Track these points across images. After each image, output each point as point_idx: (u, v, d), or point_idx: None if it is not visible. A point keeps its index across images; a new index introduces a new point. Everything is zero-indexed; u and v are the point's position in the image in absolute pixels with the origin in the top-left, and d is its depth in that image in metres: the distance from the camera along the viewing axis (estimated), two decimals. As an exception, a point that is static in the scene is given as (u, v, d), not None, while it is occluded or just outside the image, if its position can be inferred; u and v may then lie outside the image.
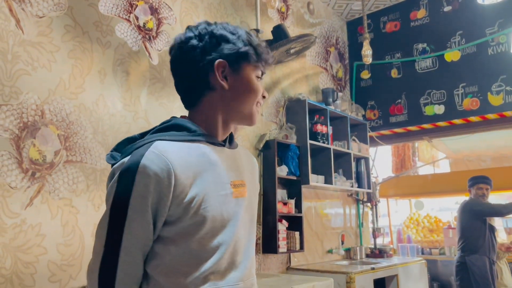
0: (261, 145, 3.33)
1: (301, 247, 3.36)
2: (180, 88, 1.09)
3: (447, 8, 4.16)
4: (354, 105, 4.41)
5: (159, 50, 2.69)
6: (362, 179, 4.20)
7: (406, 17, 4.44)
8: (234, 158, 1.07)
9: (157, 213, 0.92)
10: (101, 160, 2.28)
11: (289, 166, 3.38)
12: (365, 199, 4.61)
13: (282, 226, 3.24)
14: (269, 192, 3.24)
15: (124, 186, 0.90)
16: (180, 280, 0.94)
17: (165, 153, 0.92)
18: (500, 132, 4.64)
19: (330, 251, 4.03)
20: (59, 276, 2.05)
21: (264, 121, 3.48)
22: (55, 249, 2.05)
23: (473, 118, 3.97)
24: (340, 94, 4.25)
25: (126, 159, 0.93)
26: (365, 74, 4.64)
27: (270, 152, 3.26)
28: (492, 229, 3.97)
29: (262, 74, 1.10)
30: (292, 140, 3.48)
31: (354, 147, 4.11)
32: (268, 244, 3.19)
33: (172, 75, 1.10)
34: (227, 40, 1.04)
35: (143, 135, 1.05)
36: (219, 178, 0.99)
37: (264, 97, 1.10)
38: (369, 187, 4.26)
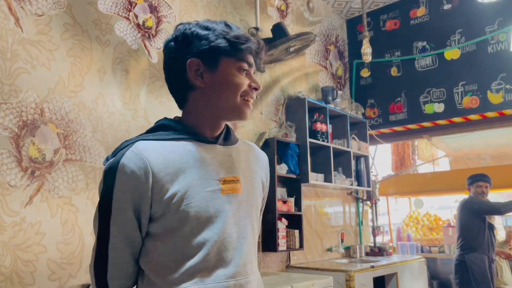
0: (261, 144, 3.33)
1: (301, 245, 3.37)
2: (169, 90, 1.12)
3: (446, 6, 4.15)
4: (353, 104, 4.41)
5: (159, 49, 2.69)
6: (362, 178, 4.20)
7: (405, 15, 4.43)
8: (228, 155, 1.06)
9: (140, 209, 0.95)
10: (100, 158, 2.28)
11: (288, 165, 3.38)
12: (364, 197, 4.61)
13: (281, 225, 3.24)
14: (268, 190, 3.23)
15: (107, 185, 0.95)
16: (167, 276, 0.96)
17: (143, 152, 0.95)
18: (500, 130, 4.64)
19: (329, 249, 4.03)
20: (59, 274, 2.05)
21: (263, 120, 3.48)
22: (55, 247, 2.05)
23: (473, 116, 3.97)
24: (339, 92, 4.25)
25: (112, 159, 0.97)
26: (365, 72, 4.64)
27: (270, 151, 3.26)
28: (491, 227, 3.97)
29: (249, 65, 1.05)
30: (292, 138, 3.48)
31: (354, 146, 4.11)
32: (267, 242, 3.19)
33: None
34: (199, 37, 1.02)
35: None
36: (206, 174, 0.99)
37: (255, 88, 1.06)
38: (368, 185, 4.27)
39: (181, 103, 1.09)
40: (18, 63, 2.00)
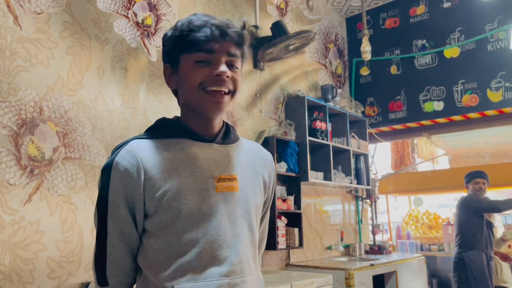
0: (260, 142, 3.33)
1: (300, 244, 3.37)
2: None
3: (446, 4, 4.15)
4: (353, 102, 4.40)
5: (158, 47, 2.68)
6: (361, 176, 4.20)
7: (405, 13, 4.43)
8: (225, 154, 1.06)
9: (134, 206, 0.97)
10: (99, 157, 2.28)
11: (288, 163, 3.38)
12: (364, 196, 4.61)
13: (281, 223, 3.24)
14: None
15: (103, 182, 0.98)
16: (161, 273, 0.96)
17: (136, 150, 0.98)
18: (500, 129, 4.63)
19: (329, 248, 4.04)
20: (58, 272, 2.05)
21: (263, 118, 3.48)
22: (54, 245, 2.05)
23: (473, 115, 3.97)
24: (339, 90, 4.25)
25: (109, 158, 1.00)
26: (365, 71, 4.64)
27: (269, 149, 3.26)
28: (490, 225, 3.98)
29: (208, 52, 0.98)
30: (291, 136, 3.48)
31: (353, 144, 4.11)
32: (267, 240, 3.19)
33: None
34: (168, 41, 1.05)
35: None
36: (199, 172, 1.00)
37: (218, 75, 0.98)
38: (368, 184, 4.27)
39: (178, 103, 1.12)
40: (17, 61, 2.00)
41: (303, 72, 4.04)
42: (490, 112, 3.90)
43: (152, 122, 1.10)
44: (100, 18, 2.39)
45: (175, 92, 1.10)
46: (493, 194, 5.45)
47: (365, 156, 4.28)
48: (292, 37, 3.25)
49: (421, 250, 5.33)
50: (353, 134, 4.19)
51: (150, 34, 2.65)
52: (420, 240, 5.58)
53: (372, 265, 3.42)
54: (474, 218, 3.90)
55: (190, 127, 1.05)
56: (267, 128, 3.46)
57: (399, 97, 4.36)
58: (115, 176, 0.96)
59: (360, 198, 4.60)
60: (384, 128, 4.52)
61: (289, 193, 3.47)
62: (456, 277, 3.95)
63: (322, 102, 3.78)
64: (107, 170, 0.97)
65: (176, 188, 0.96)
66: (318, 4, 4.37)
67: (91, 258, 1.04)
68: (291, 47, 3.40)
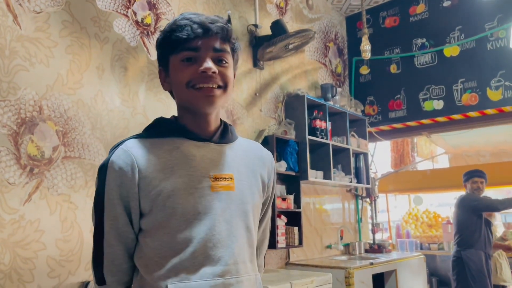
0: (260, 141, 3.33)
1: (300, 243, 3.37)
2: None
3: (446, 3, 4.15)
4: (353, 101, 4.40)
5: (157, 46, 2.68)
6: (361, 175, 4.20)
7: (405, 12, 4.42)
8: (222, 153, 1.05)
9: (129, 205, 0.98)
10: (99, 156, 2.28)
11: (288, 162, 3.38)
12: (364, 195, 4.61)
13: (281, 222, 3.25)
14: (268, 188, 3.24)
15: (100, 182, 0.99)
16: (155, 272, 0.96)
17: (131, 149, 0.99)
18: (499, 127, 4.63)
19: (329, 247, 4.04)
20: (58, 271, 2.05)
21: (262, 117, 3.48)
22: (54, 244, 2.05)
23: (472, 113, 3.97)
24: (339, 89, 4.25)
25: (106, 158, 1.01)
26: (364, 70, 4.64)
27: (269, 148, 3.26)
28: (488, 224, 3.98)
29: (193, 50, 0.99)
30: (291, 135, 3.48)
31: (353, 143, 4.11)
32: (267, 239, 3.19)
33: None
34: (158, 45, 1.07)
35: None
36: (194, 172, 0.99)
37: (203, 71, 0.98)
38: (368, 183, 4.27)
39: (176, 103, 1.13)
40: (16, 60, 2.00)
41: (303, 71, 4.04)
42: (489, 111, 3.90)
43: (152, 121, 1.10)
44: (99, 17, 2.39)
45: (172, 94, 1.11)
46: (492, 193, 5.47)
47: (365, 155, 4.29)
48: (292, 36, 3.25)
49: (421, 249, 5.34)
50: (353, 133, 4.19)
51: (149, 33, 2.65)
52: (420, 239, 5.58)
53: (371, 264, 3.42)
54: (472, 217, 3.90)
55: (186, 126, 1.05)
56: (267, 127, 3.46)
57: (399, 96, 4.36)
58: (110, 175, 0.97)
59: (360, 197, 4.60)
60: (384, 127, 4.52)
61: (289, 192, 3.48)
62: (455, 276, 3.95)
63: (322, 101, 3.78)
64: (103, 170, 0.98)
65: (171, 187, 0.96)
66: (317, 3, 4.36)
67: (91, 256, 1.04)
68: (290, 46, 3.40)
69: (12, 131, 1.95)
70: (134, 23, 2.57)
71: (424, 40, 4.24)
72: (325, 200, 4.13)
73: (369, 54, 3.77)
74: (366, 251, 4.30)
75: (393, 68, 4.43)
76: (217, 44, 1.01)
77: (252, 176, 1.10)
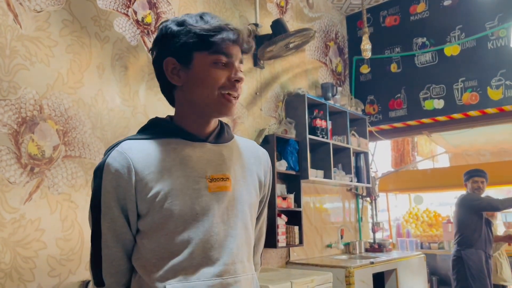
0: (260, 140, 3.33)
1: (300, 242, 3.37)
2: (160, 89, 1.12)
3: (447, 2, 4.14)
4: (353, 100, 4.40)
5: (158, 45, 2.68)
6: (362, 174, 4.20)
7: (405, 11, 4.42)
8: (218, 153, 1.05)
9: (126, 207, 0.97)
10: (99, 155, 2.28)
11: (288, 161, 3.38)
12: (364, 194, 4.61)
13: (281, 221, 3.25)
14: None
15: (96, 184, 0.98)
16: (153, 273, 0.96)
17: (127, 151, 0.97)
18: (500, 127, 4.64)
19: (329, 246, 4.04)
20: (59, 270, 2.05)
21: (263, 116, 3.48)
22: (55, 244, 2.05)
23: (473, 113, 3.97)
24: (339, 88, 4.25)
25: (101, 160, 1.00)
26: (365, 69, 4.63)
27: (269, 147, 3.26)
28: (489, 223, 3.98)
29: (228, 56, 1.00)
30: (291, 135, 3.48)
31: (354, 142, 4.11)
32: (267, 238, 3.15)
33: None
34: (173, 35, 1.01)
35: None
36: (191, 173, 0.99)
37: (236, 80, 1.00)
38: (368, 182, 4.27)
39: (171, 102, 1.10)
40: (17, 59, 2.00)
41: (303, 70, 4.04)
42: (490, 110, 3.89)
43: (147, 121, 1.10)
44: (100, 16, 2.39)
45: (171, 88, 1.06)
46: (493, 192, 5.46)
47: (365, 154, 4.28)
48: (292, 35, 3.24)
49: (421, 248, 5.34)
50: (353, 132, 4.19)
51: (150, 32, 2.65)
52: (420, 238, 5.59)
53: (372, 263, 3.42)
54: (473, 217, 3.90)
55: (183, 127, 1.04)
56: (267, 126, 3.46)
57: (399, 95, 4.36)
58: (106, 178, 0.96)
59: (360, 196, 4.60)
60: (384, 126, 4.52)
61: (289, 191, 3.48)
62: (455, 275, 3.95)
63: (322, 100, 3.78)
64: (98, 172, 0.97)
65: (168, 189, 0.96)
66: (318, 2, 4.36)
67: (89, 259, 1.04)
68: (291, 45, 3.40)
69: (13, 130, 1.95)
70: (135, 22, 2.57)
71: (425, 39, 4.23)
72: (326, 199, 4.13)
73: (370, 53, 3.77)
74: (367, 250, 4.30)
75: (394, 67, 4.42)
76: (242, 56, 1.04)
77: (249, 175, 1.10)
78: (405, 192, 6.65)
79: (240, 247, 1.02)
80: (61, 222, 2.09)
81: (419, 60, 4.26)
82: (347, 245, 4.21)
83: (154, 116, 1.13)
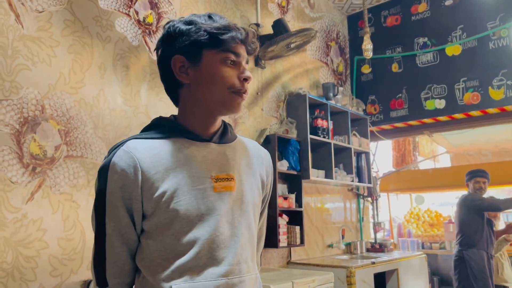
0: (262, 140, 3.33)
1: (302, 242, 3.37)
2: (164, 89, 1.12)
3: (448, 2, 4.14)
4: (354, 100, 4.40)
5: (159, 45, 2.68)
6: (363, 174, 4.20)
7: (407, 11, 4.42)
8: (222, 153, 1.05)
9: (132, 207, 0.96)
10: (101, 155, 2.28)
11: (289, 161, 3.38)
12: (365, 194, 4.61)
13: (282, 221, 3.25)
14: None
15: (100, 183, 0.97)
16: (158, 273, 0.96)
17: (133, 150, 0.96)
18: (501, 127, 4.63)
19: (330, 246, 4.04)
20: (60, 270, 2.06)
21: (264, 116, 3.48)
22: (56, 243, 2.05)
23: (474, 113, 3.97)
24: (340, 88, 4.25)
25: (105, 159, 0.99)
26: (366, 69, 4.63)
27: (271, 147, 3.26)
28: (490, 224, 3.98)
29: (236, 55, 1.01)
30: (293, 135, 3.48)
31: (355, 142, 4.11)
32: (268, 238, 3.19)
33: None
34: (181, 33, 1.01)
35: None
36: (196, 173, 0.99)
37: (245, 79, 1.02)
38: (369, 182, 4.27)
39: (175, 102, 1.10)
40: (18, 59, 2.00)
41: (305, 70, 4.04)
42: (491, 110, 3.89)
43: (151, 121, 1.10)
44: (101, 16, 2.39)
45: (177, 87, 1.06)
46: (494, 192, 5.46)
47: (367, 154, 4.28)
48: (294, 35, 3.24)
49: (423, 248, 5.34)
50: (354, 132, 4.19)
51: (151, 32, 2.65)
52: (422, 238, 5.58)
53: (373, 263, 3.42)
54: (474, 217, 3.90)
55: (187, 126, 1.04)
56: (268, 126, 3.46)
57: (400, 95, 4.36)
58: (112, 177, 0.95)
59: (361, 196, 4.60)
60: (386, 126, 4.52)
61: (290, 191, 3.48)
62: (457, 275, 3.95)
63: (324, 100, 3.78)
64: (104, 171, 0.96)
65: (173, 189, 0.96)
66: (319, 2, 4.36)
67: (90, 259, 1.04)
68: (292, 45, 3.40)
69: (15, 130, 1.95)
70: (136, 22, 2.57)
71: (426, 39, 4.23)
72: (327, 199, 4.13)
73: (371, 53, 3.77)
74: (368, 250, 4.30)
75: (395, 67, 4.42)
76: (248, 56, 1.06)
77: (252, 175, 1.10)
78: (406, 192, 6.65)
79: (244, 247, 1.02)
80: (63, 221, 2.09)
81: (420, 60, 4.26)
82: (348, 245, 4.21)
83: (155, 116, 1.13)
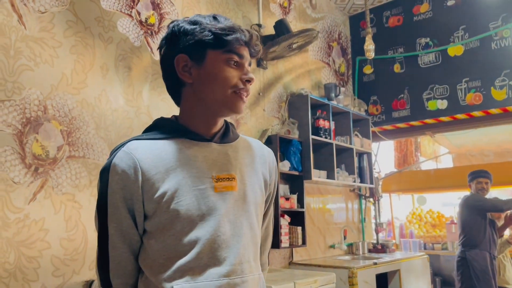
0: (263, 140, 3.33)
1: (304, 242, 3.37)
2: (166, 88, 1.12)
3: (450, 2, 4.14)
4: (356, 100, 4.40)
5: (161, 45, 2.68)
6: (365, 174, 4.20)
7: (409, 11, 4.41)
8: (223, 153, 1.05)
9: (133, 208, 0.97)
10: (103, 155, 2.28)
11: (291, 161, 3.38)
12: (367, 194, 4.61)
13: (284, 221, 3.25)
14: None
15: (102, 184, 0.98)
16: (160, 273, 0.96)
17: (133, 151, 0.97)
18: (503, 127, 4.62)
19: (332, 246, 4.04)
20: (63, 270, 2.06)
21: (266, 116, 3.48)
22: (59, 243, 2.06)
23: (476, 113, 3.96)
24: (342, 89, 4.24)
25: (107, 160, 1.00)
26: (368, 69, 4.63)
27: (272, 147, 3.26)
28: (493, 224, 3.97)
29: (240, 56, 1.02)
30: (295, 135, 3.48)
31: (357, 142, 4.11)
32: (270, 239, 3.19)
33: None
34: (186, 33, 1.02)
35: None
36: (197, 173, 0.99)
37: (248, 80, 1.03)
38: (371, 182, 4.26)
39: (177, 101, 1.10)
40: (21, 60, 2.01)
41: (306, 70, 4.04)
42: (494, 111, 3.88)
43: (153, 121, 1.10)
44: (103, 17, 2.40)
45: (179, 86, 1.06)
46: (496, 193, 5.44)
47: (368, 154, 4.28)
48: (295, 35, 3.24)
49: (425, 248, 5.33)
50: (356, 132, 4.18)
51: (153, 33, 2.65)
52: (424, 239, 5.57)
53: (375, 263, 3.42)
54: (477, 217, 3.89)
55: (188, 127, 1.04)
56: (270, 127, 3.46)
57: (402, 95, 4.35)
58: (113, 178, 0.96)
59: (363, 197, 4.59)
60: (388, 127, 4.51)
61: (292, 191, 3.47)
62: (459, 276, 3.94)
63: (325, 101, 3.78)
64: (105, 173, 0.97)
65: (174, 189, 0.96)
66: (321, 3, 4.36)
67: (95, 257, 1.04)
68: (294, 46, 3.40)
69: (17, 131, 1.96)
70: (138, 23, 2.57)
71: (428, 39, 4.23)
72: (329, 199, 4.13)
73: (373, 54, 3.77)
74: (370, 251, 4.29)
75: (397, 68, 4.42)
76: (250, 59, 1.06)
77: (254, 174, 1.10)
78: (408, 192, 6.64)
79: (246, 247, 1.02)
80: (65, 222, 2.09)
81: (422, 60, 4.25)
82: (350, 245, 4.21)
83: (157, 117, 1.13)
